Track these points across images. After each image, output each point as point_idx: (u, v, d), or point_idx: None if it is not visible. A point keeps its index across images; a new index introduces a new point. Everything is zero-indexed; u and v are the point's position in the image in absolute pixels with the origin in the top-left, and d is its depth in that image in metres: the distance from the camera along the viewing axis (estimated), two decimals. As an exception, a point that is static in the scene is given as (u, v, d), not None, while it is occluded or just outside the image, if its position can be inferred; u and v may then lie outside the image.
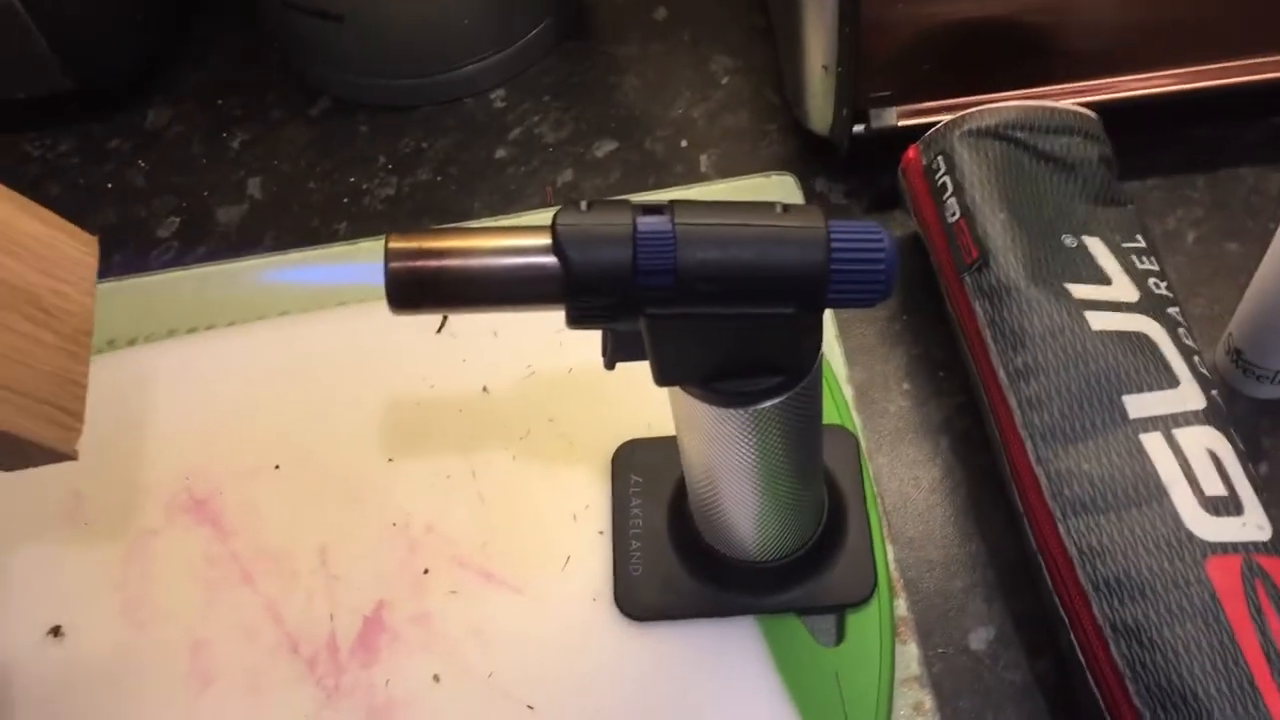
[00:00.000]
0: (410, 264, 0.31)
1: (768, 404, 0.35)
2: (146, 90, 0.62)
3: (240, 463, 0.49)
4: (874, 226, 0.32)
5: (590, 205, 0.32)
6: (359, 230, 0.57)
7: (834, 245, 0.32)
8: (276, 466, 0.48)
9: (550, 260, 0.31)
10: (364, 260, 0.54)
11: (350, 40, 0.57)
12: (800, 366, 0.34)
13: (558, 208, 0.32)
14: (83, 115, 0.61)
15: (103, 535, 0.47)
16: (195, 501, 0.48)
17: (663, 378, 0.34)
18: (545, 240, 0.32)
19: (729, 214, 0.32)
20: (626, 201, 0.32)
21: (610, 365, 0.35)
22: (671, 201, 0.32)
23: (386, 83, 0.60)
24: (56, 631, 0.45)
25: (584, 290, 0.31)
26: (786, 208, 0.32)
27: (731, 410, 0.35)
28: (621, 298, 0.31)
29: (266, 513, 0.47)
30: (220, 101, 0.62)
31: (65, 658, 0.44)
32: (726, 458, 0.38)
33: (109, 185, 0.59)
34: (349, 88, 0.61)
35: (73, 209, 0.59)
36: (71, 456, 0.36)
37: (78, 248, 0.38)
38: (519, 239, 0.32)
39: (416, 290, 0.32)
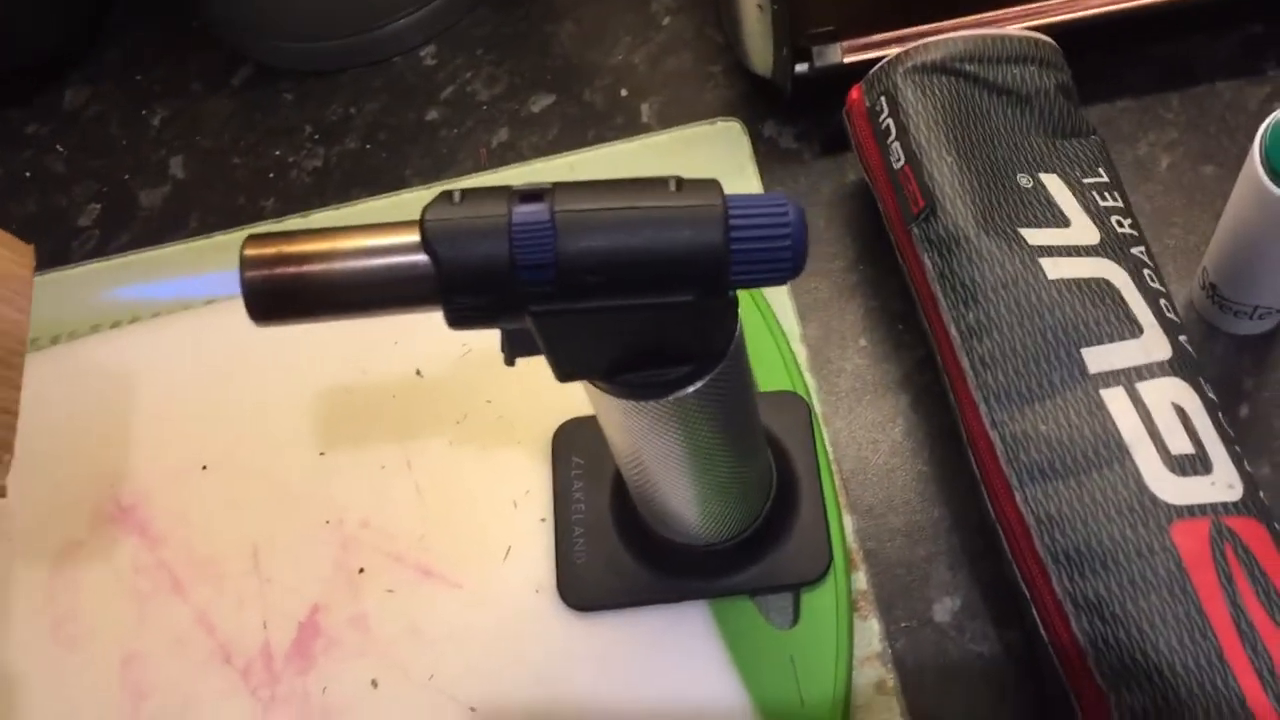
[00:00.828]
0: (268, 272, 0.29)
1: (684, 392, 0.32)
2: (63, 70, 0.59)
3: (167, 464, 0.46)
4: (778, 198, 0.29)
5: (464, 195, 0.29)
6: (287, 206, 0.54)
7: (733, 224, 0.29)
8: (204, 467, 0.46)
9: (421, 258, 0.29)
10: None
11: (267, 2, 0.54)
12: (712, 352, 0.32)
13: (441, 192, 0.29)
14: (-2, 100, 0.58)
15: (27, 549, 0.45)
16: (121, 509, 0.46)
17: (562, 374, 0.31)
18: (414, 237, 0.29)
19: (616, 195, 0.29)
20: (505, 189, 0.29)
21: (510, 361, 0.32)
22: (553, 185, 0.29)
23: (308, 46, 0.56)
24: (-15, 652, 0.44)
25: (459, 290, 0.29)
26: (681, 184, 0.29)
27: (646, 403, 0.32)
28: (500, 295, 0.29)
29: (195, 517, 0.45)
30: (139, 77, 0.58)
31: (-8, 682, 0.43)
32: (652, 448, 0.35)
33: (27, 173, 0.56)
34: (271, 53, 0.57)
35: (-12, 202, 0.57)
36: None
37: (12, 259, 0.36)
38: (386, 237, 0.29)
39: (277, 300, 0.29)
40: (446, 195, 0.29)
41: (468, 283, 0.29)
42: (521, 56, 0.57)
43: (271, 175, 0.55)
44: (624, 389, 0.32)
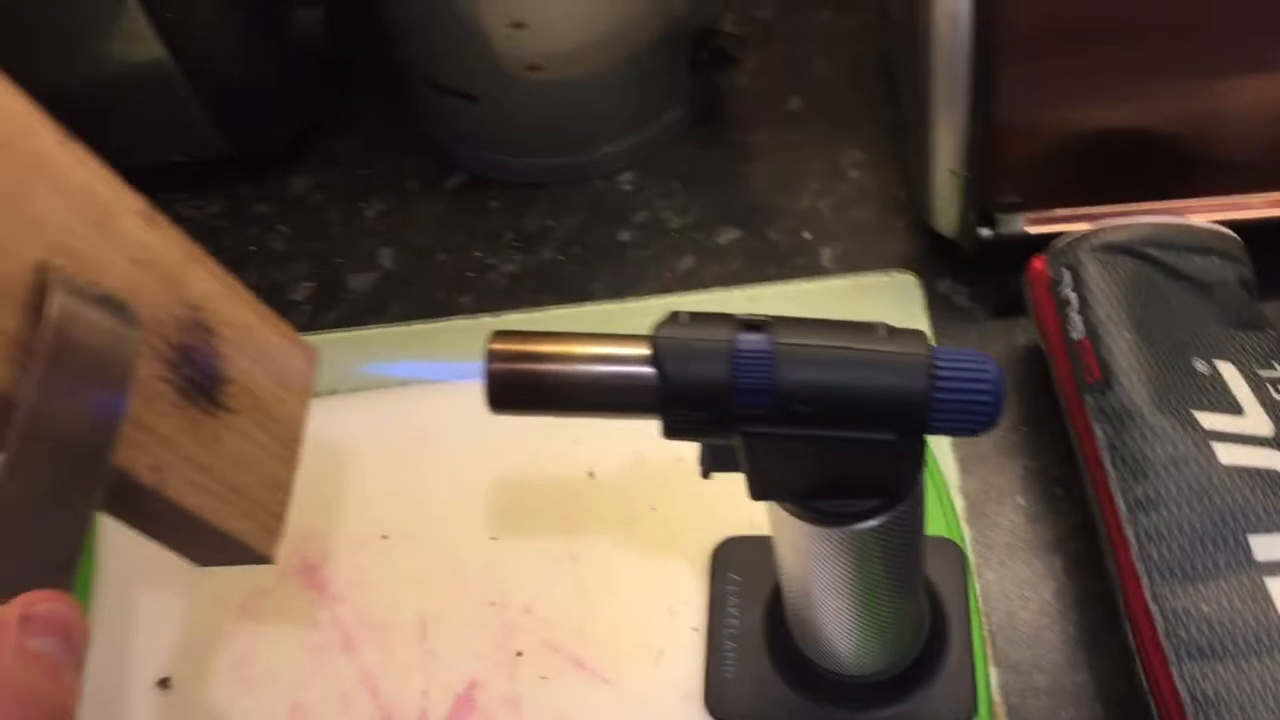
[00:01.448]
0: (510, 366, 0.32)
1: (865, 524, 0.34)
2: (293, 157, 0.65)
3: (351, 530, 0.50)
4: (982, 356, 0.32)
5: (692, 318, 0.32)
6: (482, 304, 0.58)
7: (937, 374, 0.31)
8: (385, 536, 0.49)
9: (647, 371, 0.31)
10: (482, 335, 0.55)
11: (485, 120, 0.59)
12: (899, 490, 0.34)
13: (664, 313, 0.32)
14: (234, 179, 0.64)
15: (218, 590, 0.49)
16: (307, 565, 0.49)
17: (758, 493, 0.34)
18: (644, 350, 0.32)
19: (831, 335, 0.32)
20: (729, 316, 0.32)
21: (706, 475, 0.35)
22: (774, 318, 0.32)
23: (518, 161, 0.61)
24: (165, 683, 0.47)
25: (679, 404, 0.31)
26: (891, 331, 0.32)
27: (827, 529, 0.34)
28: (717, 413, 0.31)
29: (372, 582, 0.48)
30: (361, 171, 0.64)
31: (172, 710, 0.46)
32: (822, 573, 0.37)
33: (252, 248, 0.62)
34: (483, 164, 0.62)
35: (216, 270, 0.62)
36: (270, 560, 0.37)
37: (302, 357, 0.40)
38: (618, 347, 0.32)
39: (515, 392, 0.32)
40: (675, 315, 0.32)
41: (688, 398, 0.31)
42: (713, 191, 0.61)
43: (471, 274, 0.59)
44: (810, 514, 0.34)
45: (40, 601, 0.26)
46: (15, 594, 0.26)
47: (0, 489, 0.27)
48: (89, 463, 0.28)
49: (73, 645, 0.26)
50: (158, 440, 0.32)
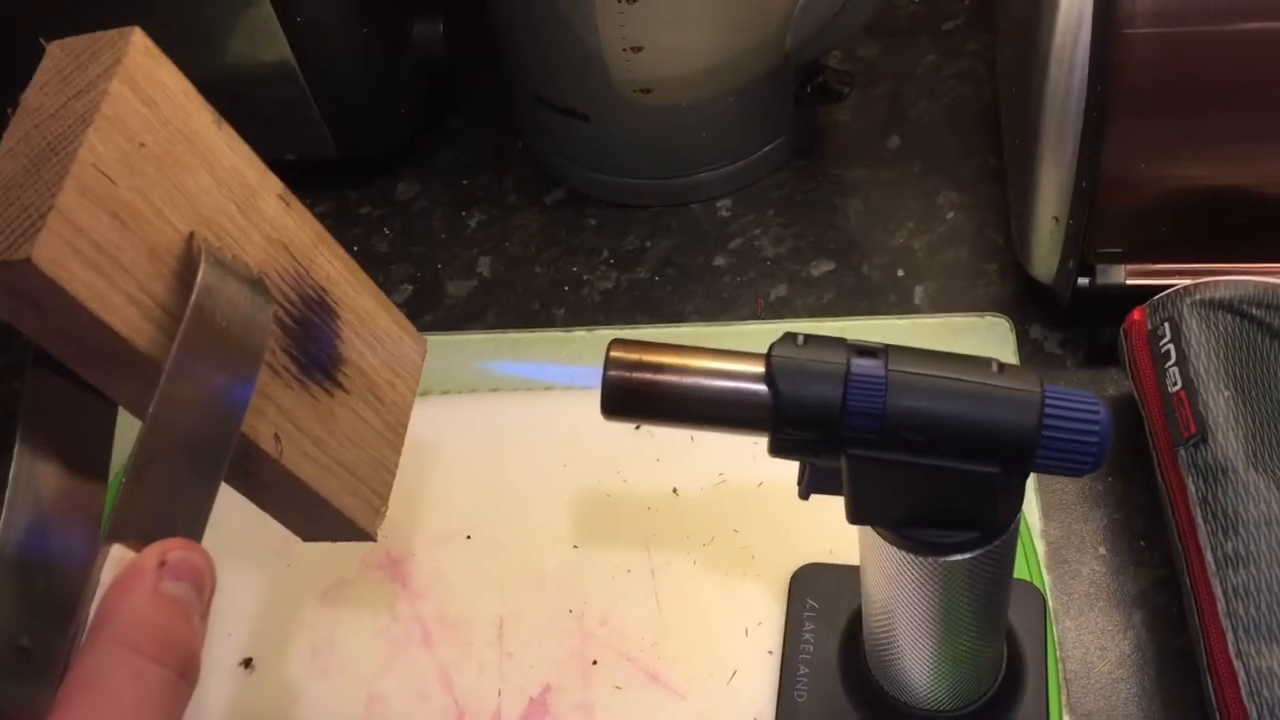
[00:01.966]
0: (628, 374, 0.33)
1: (958, 557, 0.34)
2: (400, 164, 0.66)
3: (435, 528, 0.51)
4: (1091, 397, 0.32)
5: (807, 340, 0.33)
6: (575, 318, 0.59)
7: (1048, 412, 0.31)
8: (468, 537, 0.50)
9: (761, 388, 0.32)
10: (574, 348, 0.56)
11: (592, 139, 0.60)
12: (997, 525, 0.34)
13: (774, 338, 0.33)
14: (341, 181, 0.66)
15: (302, 578, 0.50)
16: (390, 559, 0.50)
17: (856, 516, 0.34)
18: (759, 368, 0.32)
19: (943, 366, 0.32)
20: (842, 340, 0.33)
21: (805, 496, 0.35)
22: (888, 346, 0.33)
23: (619, 181, 0.62)
24: (248, 664, 0.48)
25: (790, 422, 0.32)
26: (1003, 367, 0.33)
27: (920, 558, 0.35)
28: (826, 434, 0.32)
29: (453, 580, 0.49)
30: (465, 182, 0.65)
31: (253, 690, 0.47)
32: (908, 603, 0.37)
33: (355, 248, 0.63)
34: (584, 181, 0.64)
35: (320, 266, 0.64)
36: (372, 537, 0.39)
37: (413, 346, 0.42)
38: (733, 363, 0.33)
39: (630, 400, 0.33)
40: (791, 336, 0.33)
41: (799, 418, 0.32)
42: (809, 223, 0.61)
43: (566, 288, 0.60)
44: (905, 541, 0.35)
45: (175, 549, 0.27)
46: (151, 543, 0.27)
47: (141, 447, 0.28)
48: (222, 426, 0.30)
49: (202, 593, 0.27)
50: (279, 410, 0.33)
